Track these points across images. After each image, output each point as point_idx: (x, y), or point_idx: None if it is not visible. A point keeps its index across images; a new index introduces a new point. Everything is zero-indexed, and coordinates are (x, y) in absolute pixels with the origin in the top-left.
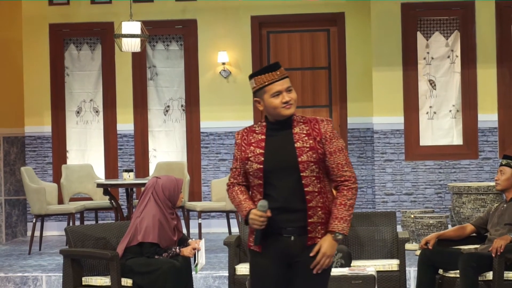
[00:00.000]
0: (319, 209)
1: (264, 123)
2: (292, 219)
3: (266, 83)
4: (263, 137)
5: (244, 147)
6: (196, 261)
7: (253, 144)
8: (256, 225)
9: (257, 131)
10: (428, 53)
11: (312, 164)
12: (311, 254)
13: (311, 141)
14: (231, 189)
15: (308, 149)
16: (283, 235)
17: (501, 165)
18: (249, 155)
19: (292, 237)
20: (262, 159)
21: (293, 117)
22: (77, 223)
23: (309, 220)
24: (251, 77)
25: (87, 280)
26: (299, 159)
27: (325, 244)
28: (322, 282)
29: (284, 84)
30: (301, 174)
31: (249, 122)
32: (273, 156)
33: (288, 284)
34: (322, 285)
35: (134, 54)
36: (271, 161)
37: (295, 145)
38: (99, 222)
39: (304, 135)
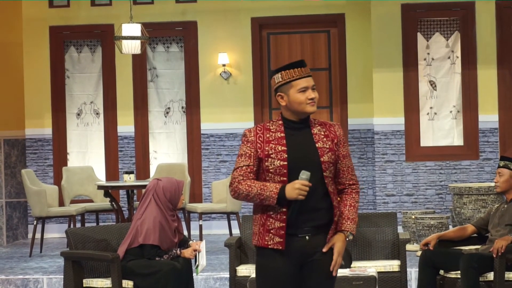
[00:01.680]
0: (336, 208)
1: (280, 121)
2: (310, 218)
3: (295, 77)
4: (283, 134)
5: (261, 144)
6: (197, 263)
7: (273, 142)
8: (303, 195)
9: (272, 129)
10: (428, 54)
11: (331, 165)
12: (324, 250)
13: (329, 143)
14: (242, 183)
15: (328, 150)
16: (298, 235)
17: (499, 166)
18: (270, 152)
19: (307, 236)
20: (286, 156)
21: (309, 118)
22: (78, 225)
23: (334, 219)
24: (277, 71)
25: (88, 282)
26: (322, 159)
27: (339, 243)
28: (334, 280)
29: (310, 81)
30: (324, 174)
31: (250, 123)
32: (296, 153)
33: (299, 285)
34: (334, 283)
35: (134, 56)
36: (294, 158)
37: (316, 145)
38: (100, 224)
39: (323, 136)
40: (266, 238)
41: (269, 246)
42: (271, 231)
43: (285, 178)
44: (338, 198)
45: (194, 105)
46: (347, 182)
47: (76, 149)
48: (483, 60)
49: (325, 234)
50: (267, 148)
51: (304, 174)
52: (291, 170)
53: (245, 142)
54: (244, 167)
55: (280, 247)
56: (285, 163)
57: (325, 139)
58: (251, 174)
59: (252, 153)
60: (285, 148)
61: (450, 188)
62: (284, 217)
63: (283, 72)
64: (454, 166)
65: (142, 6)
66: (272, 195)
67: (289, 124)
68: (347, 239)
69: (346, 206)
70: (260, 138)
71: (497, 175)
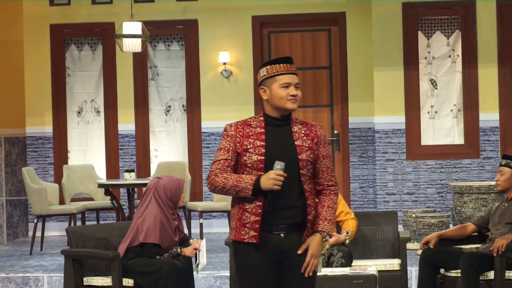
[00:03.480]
0: (312, 208)
1: (261, 118)
2: (286, 215)
3: (279, 72)
4: (262, 130)
5: (240, 139)
6: (197, 261)
7: (252, 137)
8: (278, 185)
9: (253, 125)
10: (429, 52)
11: (309, 163)
12: (299, 252)
13: (309, 142)
14: (218, 176)
15: (307, 148)
16: (273, 232)
17: (500, 165)
18: (248, 147)
19: (282, 234)
20: (263, 151)
21: (290, 116)
22: (78, 223)
23: (308, 217)
24: (263, 65)
25: (88, 280)
26: (299, 157)
27: (313, 245)
28: (314, 278)
29: (294, 79)
30: (300, 171)
31: None
32: (274, 149)
33: (279, 282)
34: (314, 281)
35: (135, 54)
36: (272, 154)
37: (295, 143)
38: (100, 222)
39: (303, 135)
40: (242, 232)
41: (244, 240)
42: (247, 225)
43: (262, 173)
44: (317, 200)
45: (194, 103)
46: (326, 183)
47: (77, 147)
48: (484, 59)
49: (301, 232)
50: (245, 143)
51: (279, 164)
52: (268, 165)
53: (225, 137)
54: (222, 160)
55: (254, 241)
56: (262, 157)
57: (305, 137)
58: (229, 168)
59: (231, 148)
60: (263, 143)
61: (450, 187)
62: (260, 211)
63: (268, 66)
64: (454, 165)
65: (143, 4)
66: (247, 186)
67: (270, 121)
68: (324, 239)
69: (324, 207)
70: (240, 133)
71: (498, 173)
